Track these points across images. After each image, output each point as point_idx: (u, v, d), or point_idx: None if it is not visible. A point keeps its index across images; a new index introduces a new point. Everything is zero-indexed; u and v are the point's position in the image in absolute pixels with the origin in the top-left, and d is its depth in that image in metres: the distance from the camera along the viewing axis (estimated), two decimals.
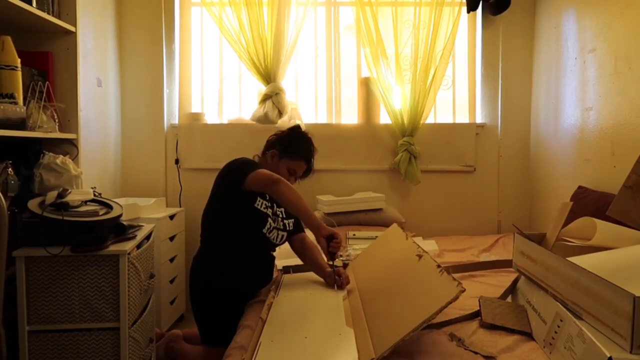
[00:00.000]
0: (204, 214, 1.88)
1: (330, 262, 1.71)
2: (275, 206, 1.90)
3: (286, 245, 1.96)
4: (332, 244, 1.64)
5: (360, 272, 1.82)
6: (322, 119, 3.20)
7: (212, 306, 1.80)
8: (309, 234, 1.83)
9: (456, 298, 1.11)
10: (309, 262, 1.86)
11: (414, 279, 1.40)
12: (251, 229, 1.79)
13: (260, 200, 1.81)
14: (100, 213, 1.75)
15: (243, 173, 1.70)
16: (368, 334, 1.26)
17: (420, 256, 1.45)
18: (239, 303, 1.72)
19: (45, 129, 1.84)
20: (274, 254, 1.97)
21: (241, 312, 1.67)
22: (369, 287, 1.62)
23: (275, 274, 1.96)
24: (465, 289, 1.12)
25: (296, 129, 1.99)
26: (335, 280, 1.68)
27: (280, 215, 1.91)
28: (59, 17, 1.97)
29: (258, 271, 1.87)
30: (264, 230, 1.80)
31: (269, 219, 1.82)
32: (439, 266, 1.29)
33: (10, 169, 1.67)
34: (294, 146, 1.90)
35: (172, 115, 3.11)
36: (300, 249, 1.93)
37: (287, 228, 1.91)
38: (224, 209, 1.80)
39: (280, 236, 1.87)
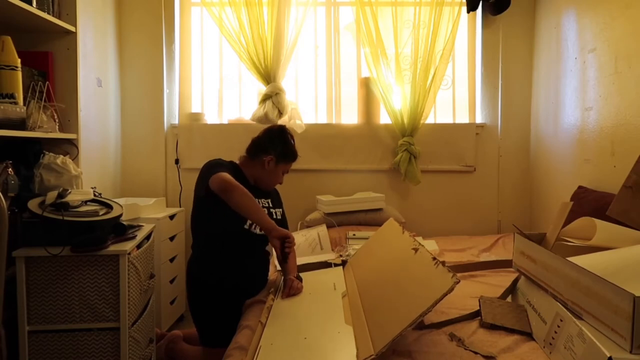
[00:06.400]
0: (191, 215, 1.90)
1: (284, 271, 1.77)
2: (258, 198, 1.88)
3: None
4: (286, 244, 1.66)
5: (358, 269, 1.83)
6: (322, 119, 3.20)
7: (207, 305, 1.81)
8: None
9: (451, 290, 1.11)
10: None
11: (411, 272, 1.41)
12: (233, 225, 1.81)
13: None
14: (100, 213, 1.75)
15: (208, 177, 1.71)
16: (367, 330, 1.26)
17: (416, 249, 1.45)
18: (234, 302, 1.73)
19: (45, 129, 1.84)
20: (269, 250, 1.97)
21: (237, 311, 1.67)
22: (367, 283, 1.62)
23: (274, 275, 1.96)
24: (460, 280, 1.13)
25: (284, 131, 1.99)
26: (287, 285, 1.70)
27: (267, 205, 1.92)
28: (59, 17, 1.97)
29: (250, 267, 1.87)
30: (246, 227, 1.82)
31: None
32: (434, 259, 1.30)
33: (10, 169, 1.67)
34: (286, 151, 1.95)
35: (172, 115, 3.11)
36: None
37: (275, 217, 1.92)
38: (206, 209, 1.82)
39: None
